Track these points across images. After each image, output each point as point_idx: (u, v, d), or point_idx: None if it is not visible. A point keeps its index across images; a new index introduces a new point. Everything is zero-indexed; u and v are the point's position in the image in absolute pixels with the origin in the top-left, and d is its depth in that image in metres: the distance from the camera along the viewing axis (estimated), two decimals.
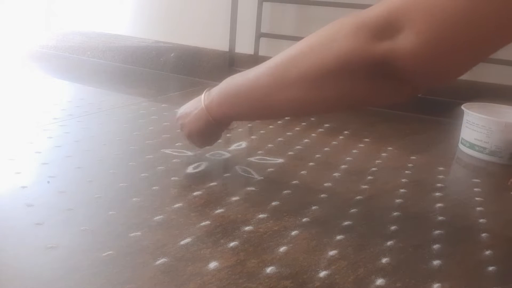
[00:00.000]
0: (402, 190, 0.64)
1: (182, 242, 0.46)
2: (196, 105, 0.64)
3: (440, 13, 0.39)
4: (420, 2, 0.40)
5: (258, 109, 0.57)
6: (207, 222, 0.51)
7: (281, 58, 0.52)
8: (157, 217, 0.51)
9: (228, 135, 0.82)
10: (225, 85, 0.60)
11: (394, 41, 0.41)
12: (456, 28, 0.39)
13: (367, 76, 0.45)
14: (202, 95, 0.62)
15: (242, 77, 0.57)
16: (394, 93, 0.48)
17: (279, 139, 0.82)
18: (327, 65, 0.46)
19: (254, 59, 1.23)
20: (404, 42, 0.40)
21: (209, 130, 0.63)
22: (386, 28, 0.41)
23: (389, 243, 0.50)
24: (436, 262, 0.47)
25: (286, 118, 0.94)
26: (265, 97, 0.53)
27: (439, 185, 0.67)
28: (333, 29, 0.47)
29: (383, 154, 0.79)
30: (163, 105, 1.00)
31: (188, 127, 0.65)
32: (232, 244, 0.47)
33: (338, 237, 0.50)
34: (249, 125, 0.90)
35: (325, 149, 0.79)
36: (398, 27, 0.40)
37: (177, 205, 0.54)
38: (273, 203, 0.57)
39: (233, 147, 0.77)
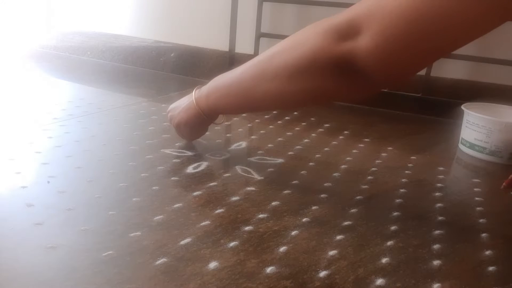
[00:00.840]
0: (402, 190, 0.64)
1: (182, 242, 0.46)
2: (186, 99, 0.71)
3: (391, 17, 0.44)
4: (377, 8, 0.45)
5: (242, 101, 0.63)
6: (207, 222, 0.51)
7: (263, 55, 0.58)
8: (157, 217, 0.51)
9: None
10: (213, 82, 0.66)
11: (354, 42, 0.47)
12: (405, 30, 0.44)
13: (334, 72, 0.51)
14: (193, 91, 0.69)
15: (230, 73, 0.63)
16: (358, 89, 0.53)
17: (279, 139, 0.82)
18: (299, 62, 0.52)
19: None
20: (362, 42, 0.46)
21: (197, 122, 0.70)
22: (348, 30, 0.47)
23: (389, 243, 0.50)
24: (436, 262, 0.47)
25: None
26: (247, 90, 0.60)
27: (439, 185, 0.67)
28: (308, 31, 0.53)
29: (383, 154, 0.79)
30: (163, 105, 1.00)
31: (176, 118, 0.71)
32: (232, 244, 0.47)
33: (338, 237, 0.50)
34: (249, 125, 0.90)
35: (325, 149, 0.79)
36: (358, 30, 0.46)
37: (177, 205, 0.54)
38: (273, 203, 0.57)
39: (233, 147, 0.77)
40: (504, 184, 0.68)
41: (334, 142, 0.83)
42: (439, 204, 0.61)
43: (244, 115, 0.96)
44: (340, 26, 0.48)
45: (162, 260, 0.43)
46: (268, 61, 0.57)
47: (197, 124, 0.71)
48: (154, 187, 0.59)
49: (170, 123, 0.74)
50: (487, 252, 0.50)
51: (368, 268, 0.45)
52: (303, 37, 0.53)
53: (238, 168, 0.67)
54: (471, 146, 0.81)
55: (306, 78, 0.53)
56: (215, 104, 0.65)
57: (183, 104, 0.71)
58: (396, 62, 0.47)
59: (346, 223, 0.53)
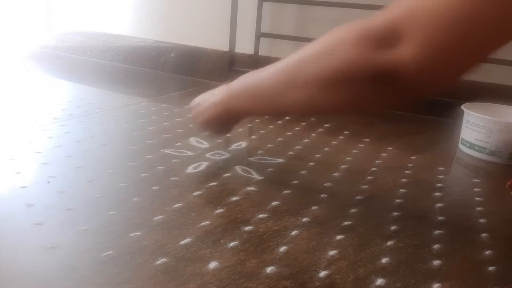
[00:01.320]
0: (402, 190, 0.64)
1: (182, 242, 0.46)
2: (213, 95, 0.67)
3: (436, 23, 0.41)
4: (417, 13, 0.42)
5: (269, 107, 0.60)
6: (207, 222, 0.51)
7: (291, 61, 0.55)
8: (157, 217, 0.51)
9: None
10: (243, 80, 0.63)
11: (393, 51, 0.43)
12: (452, 36, 0.41)
13: (370, 83, 0.47)
14: (221, 87, 0.66)
15: (258, 75, 0.60)
16: (397, 98, 0.50)
17: (279, 139, 0.82)
18: (332, 72, 0.48)
19: (254, 59, 1.23)
20: (403, 52, 0.42)
21: (223, 119, 0.66)
22: (386, 38, 0.43)
23: (389, 243, 0.50)
24: (436, 262, 0.47)
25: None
26: (275, 97, 0.57)
27: (439, 185, 0.67)
28: (338, 36, 0.49)
29: (383, 154, 0.79)
30: (163, 105, 1.00)
31: (203, 114, 0.68)
32: (232, 244, 0.47)
33: (338, 237, 0.50)
34: (249, 125, 0.90)
35: (325, 149, 0.79)
36: (397, 38, 0.42)
37: (177, 205, 0.54)
38: (273, 203, 0.57)
39: (233, 147, 0.77)
40: (508, 183, 0.68)
41: (334, 142, 0.83)
42: (439, 204, 0.61)
43: None
44: (377, 33, 0.44)
45: (162, 260, 0.43)
46: (298, 68, 0.53)
47: (224, 122, 0.69)
48: (154, 187, 0.59)
49: (194, 116, 0.71)
50: (487, 252, 0.50)
51: (368, 268, 0.45)
52: (335, 43, 0.49)
53: (238, 168, 0.67)
54: (471, 146, 0.81)
55: (340, 89, 0.49)
56: (242, 106, 0.63)
57: (210, 99, 0.67)
58: (441, 71, 0.44)
59: (346, 223, 0.53)
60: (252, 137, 0.84)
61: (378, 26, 0.45)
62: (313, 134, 0.87)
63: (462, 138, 0.84)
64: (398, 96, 0.49)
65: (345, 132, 0.90)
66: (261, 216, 0.53)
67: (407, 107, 0.99)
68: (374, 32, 0.45)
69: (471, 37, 0.41)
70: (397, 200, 0.61)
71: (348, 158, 0.75)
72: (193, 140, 0.78)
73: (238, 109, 0.64)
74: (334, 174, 0.68)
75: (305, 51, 0.53)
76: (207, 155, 0.72)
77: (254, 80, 0.61)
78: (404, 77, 0.44)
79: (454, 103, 0.94)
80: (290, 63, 0.55)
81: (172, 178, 0.62)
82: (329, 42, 0.50)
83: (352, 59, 0.46)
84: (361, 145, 0.83)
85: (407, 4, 0.43)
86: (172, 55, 1.38)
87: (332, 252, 0.47)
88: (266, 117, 0.93)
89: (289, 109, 0.58)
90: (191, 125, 0.86)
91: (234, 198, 0.58)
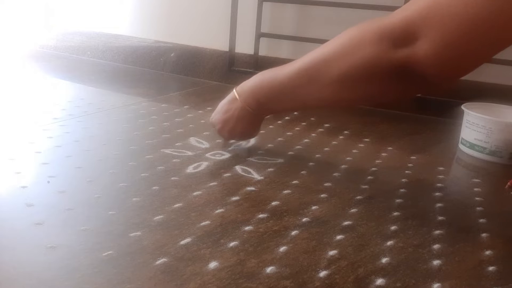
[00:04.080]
0: (402, 190, 0.64)
1: (182, 242, 0.46)
2: (232, 106, 0.68)
3: (450, 23, 0.44)
4: (434, 13, 0.44)
5: (294, 104, 0.63)
6: (207, 222, 0.51)
7: (311, 60, 0.57)
8: (157, 217, 0.51)
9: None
10: (258, 82, 0.64)
11: (411, 48, 0.46)
12: (465, 35, 0.44)
13: (391, 78, 0.51)
14: (234, 94, 0.68)
15: (276, 76, 0.62)
16: (416, 89, 0.55)
17: (279, 139, 0.82)
18: (355, 70, 0.52)
19: (254, 59, 1.23)
20: (420, 49, 0.46)
21: (254, 123, 0.70)
22: (405, 36, 0.47)
23: (389, 243, 0.50)
24: (436, 262, 0.47)
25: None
26: (298, 96, 0.59)
27: (439, 185, 0.67)
28: (359, 35, 0.52)
29: (383, 154, 0.79)
30: (163, 105, 1.00)
31: (229, 123, 0.70)
32: (232, 244, 0.47)
33: (338, 237, 0.50)
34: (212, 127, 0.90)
35: (325, 149, 0.79)
36: (415, 36, 0.46)
37: (177, 205, 0.54)
38: (273, 203, 0.57)
39: (233, 147, 0.77)
40: (508, 184, 0.68)
41: (334, 142, 0.83)
42: (439, 204, 0.61)
43: None
44: (395, 31, 0.48)
45: (162, 260, 0.43)
46: (319, 68, 0.56)
47: (251, 124, 0.71)
48: (154, 187, 0.59)
49: (218, 128, 0.73)
50: (487, 252, 0.50)
51: (368, 268, 0.45)
52: (355, 42, 0.52)
53: (238, 168, 0.67)
54: (471, 146, 0.81)
55: (363, 85, 0.53)
56: (267, 105, 0.65)
57: (230, 107, 0.69)
58: (456, 65, 0.47)
59: (346, 223, 0.53)
60: None
61: (396, 25, 0.48)
62: (313, 134, 0.87)
63: (462, 138, 0.84)
64: (415, 86, 0.54)
65: (345, 132, 0.90)
66: (261, 216, 0.53)
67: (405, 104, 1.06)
68: (393, 30, 0.48)
69: (484, 36, 0.43)
70: (397, 200, 0.61)
71: (348, 158, 0.75)
72: (193, 140, 0.78)
73: (262, 109, 0.66)
74: (334, 174, 0.68)
75: (325, 50, 0.55)
76: (207, 155, 0.72)
77: (276, 79, 0.62)
78: (421, 72, 0.47)
79: (454, 103, 0.94)
80: (312, 62, 0.57)
81: (172, 178, 0.62)
82: (349, 41, 0.53)
83: (373, 57, 0.49)
84: (361, 145, 0.83)
85: (422, 3, 0.46)
86: (172, 55, 1.38)
87: (332, 252, 0.47)
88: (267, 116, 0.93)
89: (314, 104, 0.62)
90: (191, 125, 0.86)
91: (234, 198, 0.58)
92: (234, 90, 0.68)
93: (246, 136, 0.75)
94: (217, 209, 0.54)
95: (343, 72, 0.53)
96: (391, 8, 1.01)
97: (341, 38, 0.54)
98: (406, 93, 0.59)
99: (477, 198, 0.64)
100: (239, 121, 0.69)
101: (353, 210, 0.57)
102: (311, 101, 0.59)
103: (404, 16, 0.47)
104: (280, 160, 0.72)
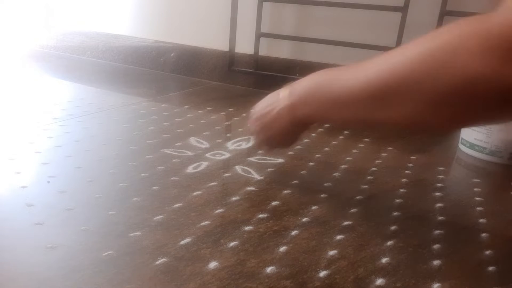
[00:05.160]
0: (402, 190, 0.64)
1: (182, 242, 0.46)
2: (276, 103, 0.57)
3: None
4: None
5: (353, 117, 0.50)
6: (207, 222, 0.51)
7: (387, 66, 0.43)
8: (157, 217, 0.51)
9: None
10: (314, 84, 0.53)
11: None
12: None
13: (496, 102, 0.37)
14: (285, 90, 0.56)
15: (338, 80, 0.49)
16: None
17: None
18: (450, 87, 0.38)
19: (254, 59, 1.23)
20: None
21: (292, 129, 0.57)
22: None
23: (389, 243, 0.50)
24: (436, 262, 0.47)
25: None
26: (365, 109, 0.46)
27: (439, 185, 0.67)
28: (454, 41, 0.38)
29: (383, 154, 0.79)
30: (163, 105, 1.00)
31: (269, 128, 0.59)
32: (232, 244, 0.47)
33: (338, 237, 0.50)
34: (248, 125, 0.90)
35: (325, 149, 0.79)
36: None
37: (177, 205, 0.54)
38: (273, 203, 0.57)
39: (233, 147, 0.77)
40: None
41: (334, 142, 0.83)
42: (439, 204, 0.61)
43: (244, 115, 0.96)
44: (504, 40, 0.33)
45: (162, 260, 0.43)
46: (399, 78, 0.42)
47: (293, 133, 0.60)
48: (154, 187, 0.59)
49: (255, 131, 0.62)
50: (487, 252, 0.50)
51: (368, 268, 0.45)
52: (451, 50, 0.37)
53: (238, 168, 0.67)
54: (471, 146, 0.81)
55: (457, 107, 0.39)
56: (313, 114, 0.53)
57: (274, 109, 0.57)
58: None
59: (346, 223, 0.53)
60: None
61: (503, 31, 0.34)
62: (313, 134, 0.87)
63: (462, 138, 0.84)
64: None
65: (345, 132, 0.90)
66: (261, 216, 0.53)
67: None
68: (500, 39, 0.34)
69: None
70: (397, 200, 0.61)
71: (348, 158, 0.75)
72: (193, 140, 0.78)
73: (310, 117, 0.54)
74: (334, 174, 0.68)
75: (404, 56, 0.42)
76: (207, 155, 0.72)
77: (338, 86, 0.49)
78: None
79: None
80: (386, 69, 0.43)
81: (172, 178, 0.62)
82: (441, 47, 0.39)
83: (474, 75, 0.36)
84: (361, 145, 0.83)
85: None
86: (172, 55, 1.38)
87: (332, 252, 0.47)
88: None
89: (381, 121, 0.47)
90: (191, 125, 0.86)
91: (234, 198, 0.58)
92: (287, 86, 0.57)
93: (281, 142, 0.63)
94: (217, 209, 0.54)
95: (433, 88, 0.39)
96: (391, 8, 1.03)
97: (429, 42, 0.40)
98: (501, 120, 0.45)
99: (477, 198, 0.64)
100: (275, 120, 0.57)
101: (353, 210, 0.57)
102: (381, 118, 0.46)
103: None
104: (280, 160, 0.72)
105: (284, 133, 0.58)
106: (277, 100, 0.57)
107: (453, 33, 0.38)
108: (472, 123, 0.45)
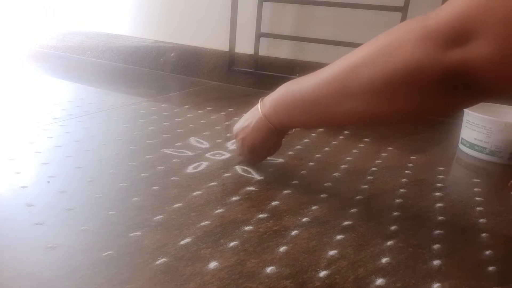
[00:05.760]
0: (402, 190, 0.64)
1: (182, 242, 0.46)
2: (252, 116, 0.62)
3: None
4: (492, 9, 0.37)
5: (321, 120, 0.54)
6: (207, 222, 0.51)
7: (340, 67, 0.48)
8: (157, 217, 0.51)
9: (228, 135, 0.82)
10: (281, 94, 0.58)
11: (466, 49, 0.38)
12: None
13: (438, 88, 0.42)
14: (258, 105, 0.61)
15: (299, 86, 0.54)
16: (466, 102, 0.46)
17: None
18: (394, 77, 0.43)
19: (254, 59, 1.23)
20: (478, 50, 0.37)
21: (272, 138, 0.62)
22: (457, 35, 0.38)
23: (389, 243, 0.50)
24: (436, 262, 0.47)
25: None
26: (325, 108, 0.51)
27: (439, 185, 0.67)
28: (396, 36, 0.43)
29: (383, 154, 0.79)
30: (163, 105, 1.00)
31: (249, 139, 0.63)
32: (232, 244, 0.47)
33: (338, 237, 0.50)
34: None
35: (325, 149, 0.79)
36: (470, 35, 0.38)
37: (177, 205, 0.54)
38: (273, 203, 0.57)
39: (233, 147, 0.77)
40: (511, 181, 0.68)
41: (334, 142, 0.83)
42: (439, 204, 0.61)
43: None
44: (444, 30, 0.39)
45: (162, 260, 0.43)
46: (350, 75, 0.47)
47: (272, 141, 0.64)
48: (154, 187, 0.59)
49: (238, 145, 0.66)
50: (487, 252, 0.50)
51: (368, 268, 0.45)
52: (394, 44, 0.43)
53: (238, 168, 0.67)
54: (471, 146, 0.81)
55: (402, 97, 0.44)
56: (285, 121, 0.58)
57: (252, 122, 0.62)
58: None
59: (346, 223, 0.53)
60: None
61: (445, 22, 0.39)
62: (313, 134, 0.87)
63: (462, 138, 0.84)
64: (465, 99, 0.44)
65: (345, 132, 0.90)
66: (261, 216, 0.53)
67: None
68: (440, 30, 0.39)
69: None
70: (397, 200, 0.61)
71: (348, 158, 0.75)
72: (193, 140, 0.78)
73: (281, 124, 0.59)
74: (334, 174, 0.68)
75: (357, 55, 0.47)
76: (207, 155, 0.72)
77: (299, 91, 0.54)
78: (476, 77, 0.39)
79: None
80: (342, 69, 0.48)
81: (172, 178, 0.62)
82: (386, 43, 0.44)
83: (417, 60, 0.41)
84: (361, 145, 0.83)
85: None
86: (172, 55, 1.38)
87: (332, 252, 0.47)
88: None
89: (344, 120, 0.52)
90: (191, 125, 0.86)
91: (234, 198, 0.58)
92: (260, 100, 0.62)
93: (264, 152, 0.67)
94: (217, 209, 0.54)
95: (379, 80, 0.44)
96: (391, 8, 1.03)
97: (377, 40, 0.45)
98: (452, 108, 0.48)
99: (477, 198, 0.64)
100: (254, 132, 0.62)
101: (353, 210, 0.57)
102: (339, 116, 0.50)
103: (454, 13, 0.39)
104: (280, 160, 0.72)
105: (264, 142, 0.63)
106: (253, 115, 0.62)
107: (398, 29, 0.44)
108: (422, 113, 0.48)
